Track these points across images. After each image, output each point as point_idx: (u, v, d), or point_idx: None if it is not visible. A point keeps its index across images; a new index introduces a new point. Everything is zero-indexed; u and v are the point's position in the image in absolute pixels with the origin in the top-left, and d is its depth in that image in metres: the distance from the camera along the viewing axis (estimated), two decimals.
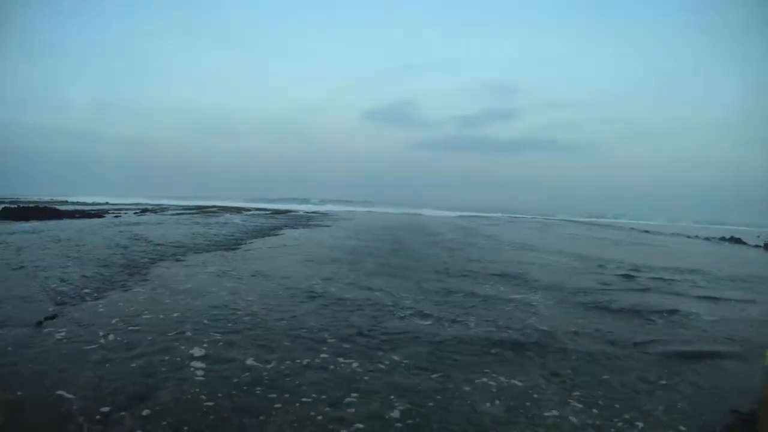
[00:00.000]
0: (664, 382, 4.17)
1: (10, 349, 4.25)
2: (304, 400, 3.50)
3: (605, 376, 4.22)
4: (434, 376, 4.07)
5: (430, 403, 3.54)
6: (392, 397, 3.61)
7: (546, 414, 3.45)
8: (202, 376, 3.83)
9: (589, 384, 4.04)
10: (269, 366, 4.10)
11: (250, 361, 4.18)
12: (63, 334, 4.70)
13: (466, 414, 3.41)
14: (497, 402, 3.62)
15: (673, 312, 6.75)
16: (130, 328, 4.98)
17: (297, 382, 3.79)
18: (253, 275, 8.20)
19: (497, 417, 3.38)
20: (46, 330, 4.81)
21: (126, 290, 6.71)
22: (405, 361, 4.35)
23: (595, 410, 3.54)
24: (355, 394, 3.62)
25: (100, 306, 5.81)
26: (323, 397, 3.57)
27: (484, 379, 4.03)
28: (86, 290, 6.56)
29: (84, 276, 7.45)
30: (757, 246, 21.50)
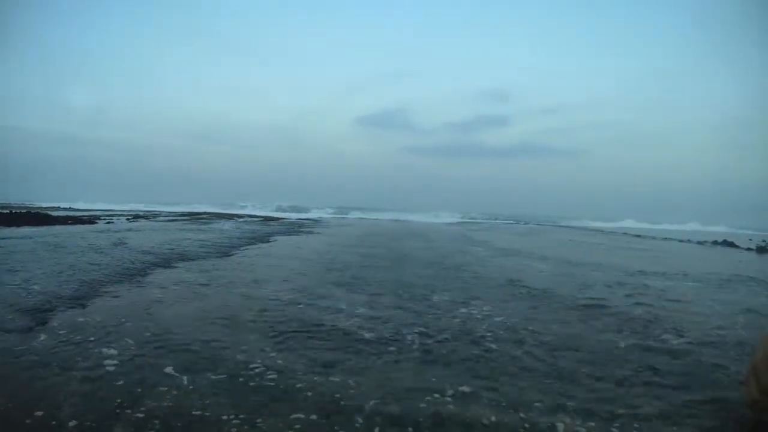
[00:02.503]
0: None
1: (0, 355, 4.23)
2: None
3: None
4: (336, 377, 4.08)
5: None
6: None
7: None
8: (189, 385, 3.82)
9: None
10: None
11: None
12: (53, 340, 4.67)
13: None
14: None
15: (652, 314, 6.79)
16: (122, 333, 4.97)
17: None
18: (245, 282, 8.24)
19: None
20: (35, 336, 4.77)
21: (116, 296, 6.71)
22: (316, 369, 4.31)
23: None
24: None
25: (91, 312, 5.79)
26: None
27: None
28: (75, 296, 6.54)
29: (72, 282, 7.41)
30: (749, 249, 21.62)
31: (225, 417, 3.22)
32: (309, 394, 3.65)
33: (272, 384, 3.80)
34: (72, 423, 3.07)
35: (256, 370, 4.06)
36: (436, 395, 3.70)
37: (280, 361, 4.31)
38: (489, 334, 5.50)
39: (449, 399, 3.65)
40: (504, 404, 3.59)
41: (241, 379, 3.86)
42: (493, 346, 5.05)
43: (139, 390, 3.58)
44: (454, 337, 5.34)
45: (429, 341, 5.14)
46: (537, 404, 3.60)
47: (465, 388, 3.85)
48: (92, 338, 4.77)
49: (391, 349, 4.84)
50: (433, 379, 4.03)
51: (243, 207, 52.82)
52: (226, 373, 3.97)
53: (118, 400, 3.39)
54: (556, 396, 3.77)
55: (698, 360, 4.83)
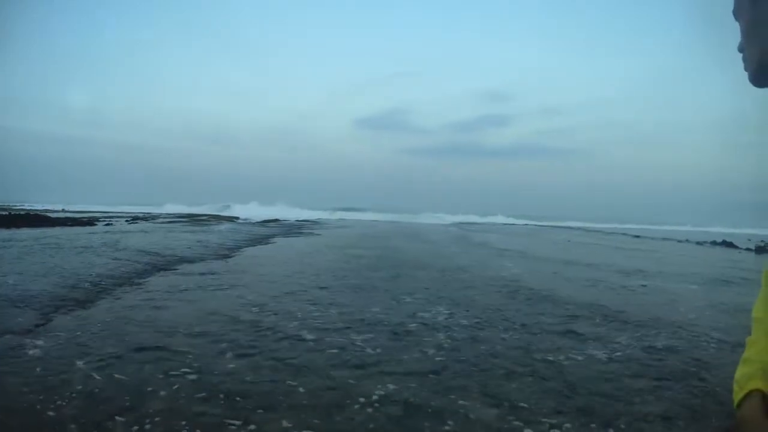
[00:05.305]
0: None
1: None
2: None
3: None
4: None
5: None
6: None
7: None
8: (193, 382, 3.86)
9: None
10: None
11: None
12: (55, 341, 4.69)
13: None
14: None
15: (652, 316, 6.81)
16: (125, 334, 4.99)
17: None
18: (241, 285, 8.29)
19: None
20: (36, 337, 4.79)
21: (118, 298, 6.73)
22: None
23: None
24: None
25: (93, 313, 5.82)
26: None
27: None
28: (75, 298, 6.55)
29: (71, 284, 7.40)
30: (748, 249, 21.75)
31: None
32: (221, 395, 3.65)
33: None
34: None
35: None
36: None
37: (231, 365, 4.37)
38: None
39: None
40: None
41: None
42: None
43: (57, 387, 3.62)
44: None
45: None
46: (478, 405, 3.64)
47: None
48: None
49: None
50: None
51: (242, 208, 52.57)
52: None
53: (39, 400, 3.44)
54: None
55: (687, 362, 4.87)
